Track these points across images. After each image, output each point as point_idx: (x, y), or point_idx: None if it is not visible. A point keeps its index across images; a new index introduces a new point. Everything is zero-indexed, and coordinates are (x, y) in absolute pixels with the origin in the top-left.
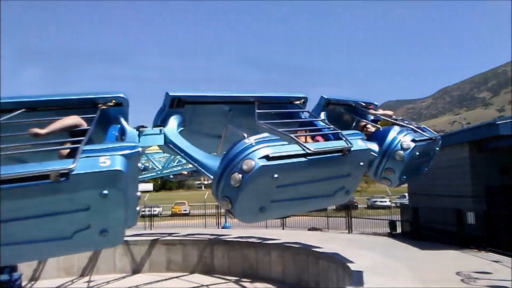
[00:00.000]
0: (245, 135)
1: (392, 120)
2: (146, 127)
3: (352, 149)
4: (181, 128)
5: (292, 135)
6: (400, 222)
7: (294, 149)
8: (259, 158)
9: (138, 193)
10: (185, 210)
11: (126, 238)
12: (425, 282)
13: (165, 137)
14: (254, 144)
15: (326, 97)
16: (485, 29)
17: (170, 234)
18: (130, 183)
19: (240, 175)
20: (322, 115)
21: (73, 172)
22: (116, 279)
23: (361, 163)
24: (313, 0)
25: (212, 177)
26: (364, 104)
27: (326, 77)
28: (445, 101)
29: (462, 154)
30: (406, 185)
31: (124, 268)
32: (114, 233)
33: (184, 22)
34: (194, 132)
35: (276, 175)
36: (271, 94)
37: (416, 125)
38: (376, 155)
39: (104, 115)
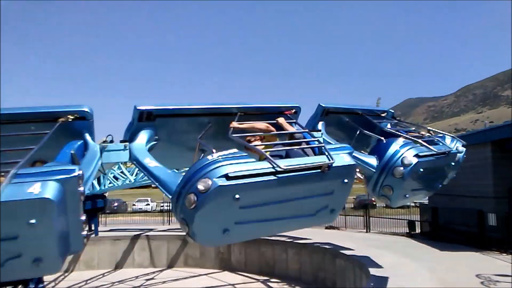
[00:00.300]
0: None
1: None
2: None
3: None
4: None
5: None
6: (419, 222)
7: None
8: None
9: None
10: None
11: (146, 233)
12: (444, 284)
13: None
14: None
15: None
16: (509, 26)
17: None
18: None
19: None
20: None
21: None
22: (145, 274)
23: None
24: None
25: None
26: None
27: (345, 74)
28: (467, 99)
29: (485, 154)
30: None
31: (142, 262)
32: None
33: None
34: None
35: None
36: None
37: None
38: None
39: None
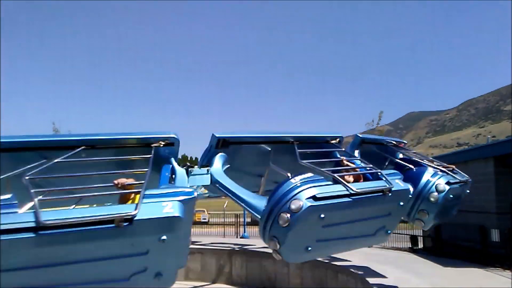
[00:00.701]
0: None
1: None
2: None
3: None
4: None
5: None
6: (422, 237)
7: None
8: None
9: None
10: (205, 219)
11: None
12: None
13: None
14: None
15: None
16: (510, 41)
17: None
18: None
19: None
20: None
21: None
22: None
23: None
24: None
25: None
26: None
27: (348, 88)
28: (469, 113)
29: (487, 169)
30: None
31: None
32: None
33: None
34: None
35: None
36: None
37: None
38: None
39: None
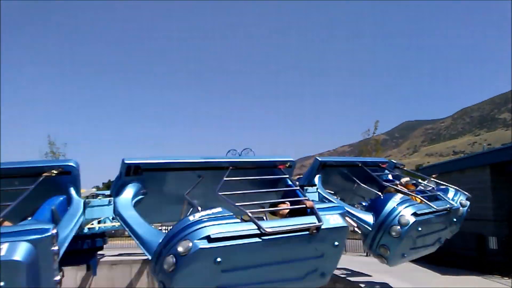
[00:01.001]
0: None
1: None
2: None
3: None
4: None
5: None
6: None
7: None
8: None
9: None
10: None
11: (144, 257)
12: None
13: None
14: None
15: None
16: (506, 50)
17: None
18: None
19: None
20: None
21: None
22: None
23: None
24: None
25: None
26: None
27: (342, 97)
28: (465, 121)
29: (483, 177)
30: None
31: None
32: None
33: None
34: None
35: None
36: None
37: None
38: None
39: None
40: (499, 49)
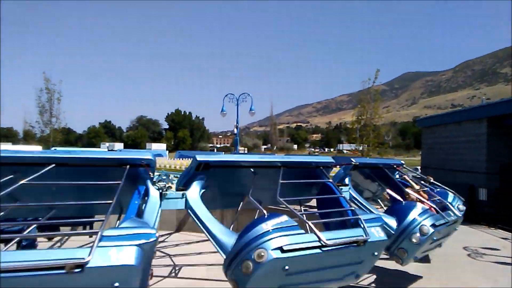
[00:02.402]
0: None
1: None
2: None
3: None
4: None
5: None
6: None
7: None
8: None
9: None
10: None
11: None
12: (431, 256)
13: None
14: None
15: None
16: (509, 4)
17: None
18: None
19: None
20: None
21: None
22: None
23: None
24: None
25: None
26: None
27: (344, 46)
28: (465, 75)
29: (480, 130)
30: (419, 157)
31: None
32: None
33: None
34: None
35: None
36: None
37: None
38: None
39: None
40: (505, 1)
